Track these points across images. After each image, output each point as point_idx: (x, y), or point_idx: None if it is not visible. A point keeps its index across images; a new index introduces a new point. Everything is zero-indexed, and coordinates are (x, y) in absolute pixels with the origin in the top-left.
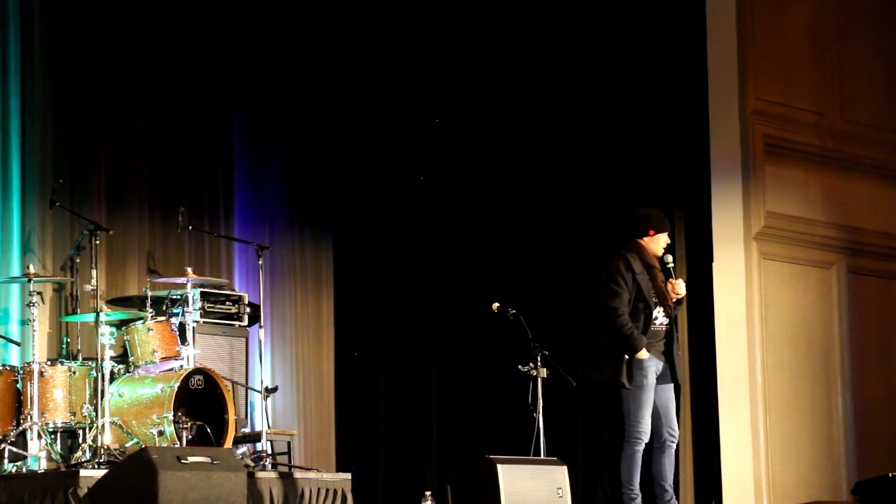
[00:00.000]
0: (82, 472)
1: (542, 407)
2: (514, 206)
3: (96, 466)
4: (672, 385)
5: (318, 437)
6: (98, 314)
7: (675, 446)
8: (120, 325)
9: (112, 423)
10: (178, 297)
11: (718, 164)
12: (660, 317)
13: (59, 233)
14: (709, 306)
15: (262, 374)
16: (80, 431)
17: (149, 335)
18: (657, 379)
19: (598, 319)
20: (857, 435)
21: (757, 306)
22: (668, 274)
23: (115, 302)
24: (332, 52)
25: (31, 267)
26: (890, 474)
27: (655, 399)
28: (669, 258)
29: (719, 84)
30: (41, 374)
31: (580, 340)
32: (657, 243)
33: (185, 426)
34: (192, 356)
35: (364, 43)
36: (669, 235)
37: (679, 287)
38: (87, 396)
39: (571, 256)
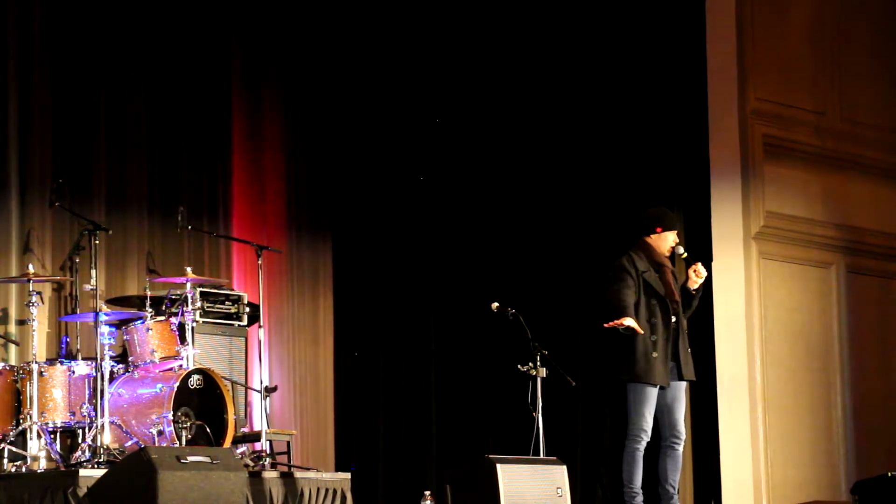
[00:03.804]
0: (82, 472)
1: (542, 407)
2: (514, 206)
3: (96, 466)
4: (681, 384)
5: (317, 436)
6: (97, 314)
7: (680, 448)
8: (119, 324)
9: (111, 422)
10: (178, 296)
11: (718, 163)
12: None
13: (59, 233)
14: (708, 306)
15: (261, 374)
16: (80, 431)
17: (148, 335)
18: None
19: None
20: (857, 434)
21: (756, 306)
22: (687, 263)
23: (114, 302)
24: (332, 51)
25: (31, 267)
26: (889, 474)
27: (660, 397)
28: (681, 249)
29: (719, 84)
30: (40, 373)
31: (580, 340)
32: (664, 241)
33: (185, 426)
34: (191, 356)
35: (363, 42)
36: (677, 235)
37: (701, 271)
38: (87, 396)
39: (571, 256)
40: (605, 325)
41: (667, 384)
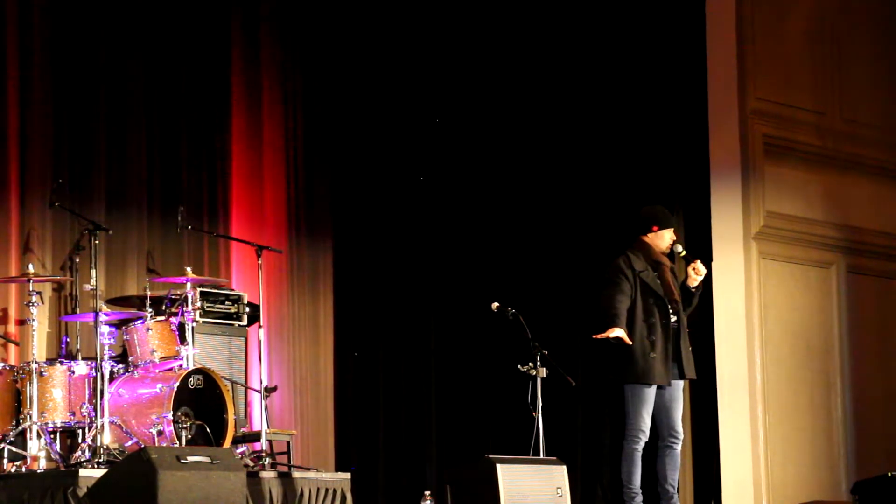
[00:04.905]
0: (82, 472)
1: (542, 407)
2: (514, 206)
3: (95, 466)
4: (680, 383)
5: (317, 436)
6: (97, 314)
7: (678, 447)
8: (119, 324)
9: (111, 422)
10: (178, 296)
11: (718, 163)
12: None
13: (59, 232)
14: (708, 306)
15: (261, 374)
16: (80, 431)
17: (148, 335)
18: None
19: (603, 318)
20: (857, 435)
21: (756, 306)
22: (686, 261)
23: (114, 301)
24: (332, 50)
25: (31, 267)
26: (889, 474)
27: (658, 397)
28: (679, 247)
29: (719, 84)
30: (40, 373)
31: (580, 340)
32: (661, 240)
33: (185, 426)
34: (191, 356)
35: (364, 42)
36: (674, 233)
37: (700, 268)
38: (87, 396)
39: (571, 256)
40: (594, 337)
41: (666, 383)
